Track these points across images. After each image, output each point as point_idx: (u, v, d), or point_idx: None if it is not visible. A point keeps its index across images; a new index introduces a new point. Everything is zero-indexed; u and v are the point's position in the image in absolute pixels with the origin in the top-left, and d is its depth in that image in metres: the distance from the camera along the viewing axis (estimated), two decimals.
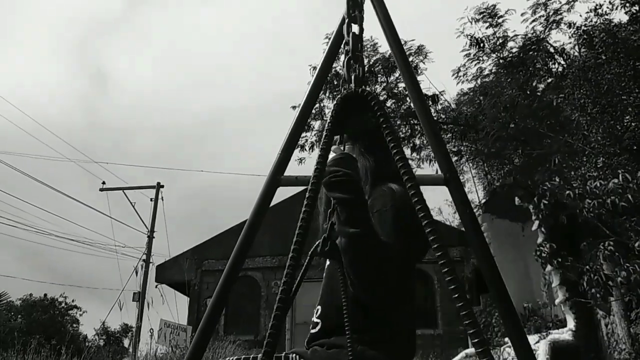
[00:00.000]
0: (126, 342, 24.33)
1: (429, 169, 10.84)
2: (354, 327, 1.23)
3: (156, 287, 16.06)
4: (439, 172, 2.23)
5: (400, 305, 1.38)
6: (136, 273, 16.75)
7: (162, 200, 18.53)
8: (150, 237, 17.86)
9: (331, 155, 1.34)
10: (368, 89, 0.84)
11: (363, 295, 1.25)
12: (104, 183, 18.41)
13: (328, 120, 0.75)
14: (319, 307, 1.49)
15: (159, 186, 18.61)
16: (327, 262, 1.56)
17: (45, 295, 25.89)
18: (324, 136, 0.73)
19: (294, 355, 1.39)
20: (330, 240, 1.26)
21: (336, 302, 1.32)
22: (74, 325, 26.53)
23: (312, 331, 1.44)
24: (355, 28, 1.06)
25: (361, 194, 1.24)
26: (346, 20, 1.02)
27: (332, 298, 1.37)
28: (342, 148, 1.41)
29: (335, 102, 0.76)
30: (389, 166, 1.43)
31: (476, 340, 0.62)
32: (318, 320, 1.45)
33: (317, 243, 1.26)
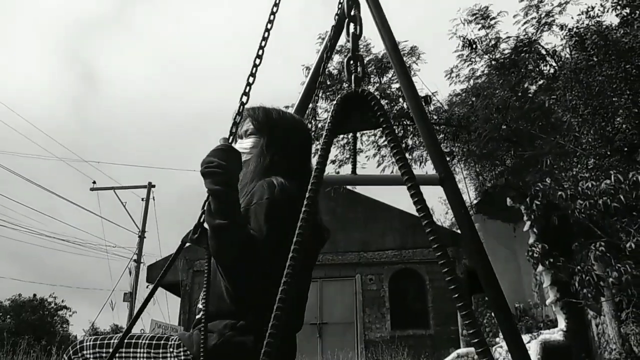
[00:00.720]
0: None
1: (420, 170, 10.86)
2: (228, 312, 1.32)
3: (147, 287, 15.99)
4: (434, 172, 2.24)
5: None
6: (130, 273, 16.68)
7: (154, 200, 18.48)
8: (142, 237, 17.78)
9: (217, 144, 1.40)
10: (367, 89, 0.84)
11: (227, 284, 1.28)
12: (94, 182, 18.34)
13: (328, 121, 0.75)
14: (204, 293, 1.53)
15: (150, 186, 18.53)
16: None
17: (34, 295, 25.70)
18: (323, 136, 0.73)
19: (176, 337, 1.43)
20: (201, 228, 1.35)
21: (216, 290, 1.38)
22: (64, 325, 26.35)
23: (197, 316, 1.47)
24: (354, 28, 1.06)
25: (232, 187, 1.29)
26: (345, 20, 1.02)
27: (214, 285, 1.41)
28: (228, 140, 1.46)
29: (335, 102, 0.76)
30: (285, 164, 1.53)
31: (476, 340, 0.62)
32: (202, 306, 1.48)
33: (189, 231, 1.35)
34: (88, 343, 1.47)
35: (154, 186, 18.65)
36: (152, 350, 1.39)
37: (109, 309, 15.92)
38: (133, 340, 1.42)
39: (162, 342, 1.41)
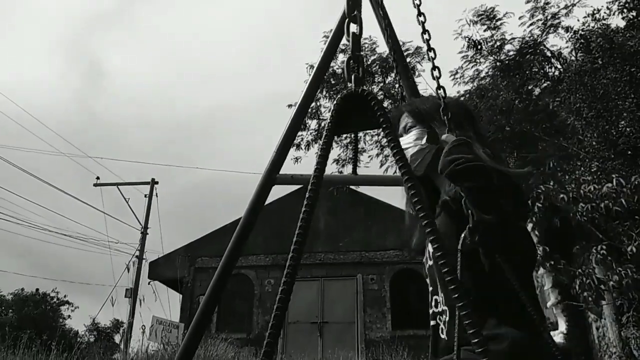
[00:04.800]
0: (117, 338, 24.28)
1: None
2: (496, 313, 1.17)
3: (149, 283, 16.04)
4: None
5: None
6: (128, 269, 16.72)
7: (156, 196, 18.50)
8: (144, 234, 17.81)
9: (445, 139, 1.30)
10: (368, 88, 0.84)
11: (516, 282, 1.17)
12: (98, 178, 18.36)
13: (328, 121, 0.76)
14: (447, 311, 1.32)
15: (153, 182, 18.56)
16: (430, 262, 1.42)
17: (37, 290, 25.81)
18: (323, 136, 0.73)
19: None
20: (477, 230, 1.16)
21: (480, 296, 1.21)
22: (63, 320, 26.42)
23: (442, 337, 1.32)
24: (354, 28, 1.06)
25: (491, 176, 1.15)
26: (346, 21, 1.02)
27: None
28: (455, 134, 1.34)
29: (335, 102, 0.76)
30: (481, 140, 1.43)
31: (476, 340, 0.62)
32: (444, 327, 1.32)
33: (462, 235, 1.18)
34: None
35: (157, 183, 18.68)
36: None
37: (110, 304, 15.95)
38: None
39: None
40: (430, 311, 1.40)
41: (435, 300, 1.37)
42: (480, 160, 1.18)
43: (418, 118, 1.51)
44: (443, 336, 1.32)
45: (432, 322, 1.39)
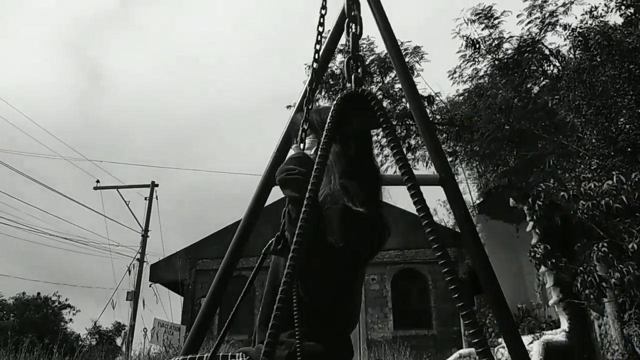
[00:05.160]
0: (119, 341, 24.27)
1: (424, 169, 10.87)
2: (295, 322, 1.24)
3: (150, 286, 16.03)
4: (435, 172, 2.24)
5: (341, 302, 1.37)
6: (129, 272, 16.70)
7: (157, 199, 18.49)
8: (145, 236, 17.80)
9: (290, 153, 1.35)
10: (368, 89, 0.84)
11: (305, 294, 1.25)
12: (98, 181, 18.36)
13: (328, 120, 0.75)
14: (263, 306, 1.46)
15: (153, 185, 18.54)
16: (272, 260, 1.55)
17: (38, 294, 25.82)
18: (323, 136, 0.73)
19: (241, 354, 1.40)
20: (284, 238, 1.30)
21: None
22: (65, 323, 26.42)
23: (256, 328, 1.46)
24: (354, 28, 1.05)
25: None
26: (346, 20, 1.02)
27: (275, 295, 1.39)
28: (301, 147, 1.41)
29: (334, 102, 0.76)
30: (344, 163, 1.40)
31: (476, 340, 0.62)
32: (265, 318, 1.45)
33: (270, 241, 1.29)
34: None
35: (157, 185, 18.67)
36: None
37: (111, 307, 15.95)
38: None
39: None
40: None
41: None
42: (305, 176, 1.22)
43: (312, 127, 1.55)
44: None
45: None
